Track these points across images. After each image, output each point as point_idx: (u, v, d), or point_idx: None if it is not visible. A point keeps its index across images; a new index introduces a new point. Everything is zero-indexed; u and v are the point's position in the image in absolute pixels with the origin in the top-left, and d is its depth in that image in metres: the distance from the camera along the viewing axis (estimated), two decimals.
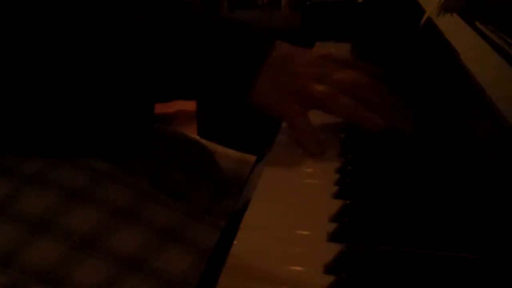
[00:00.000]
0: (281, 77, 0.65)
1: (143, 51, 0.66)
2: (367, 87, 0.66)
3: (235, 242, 0.45)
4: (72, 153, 0.75)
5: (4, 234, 0.69)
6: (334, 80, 0.65)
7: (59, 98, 0.73)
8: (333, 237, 0.45)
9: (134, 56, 0.67)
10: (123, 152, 0.82)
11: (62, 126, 0.75)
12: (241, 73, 0.65)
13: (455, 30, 0.77)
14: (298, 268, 0.42)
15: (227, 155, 0.96)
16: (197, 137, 1.01)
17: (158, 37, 0.66)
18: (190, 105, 2.71)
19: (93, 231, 0.69)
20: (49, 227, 0.69)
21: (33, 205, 0.70)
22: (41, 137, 0.75)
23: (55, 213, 0.70)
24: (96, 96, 0.73)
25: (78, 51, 0.67)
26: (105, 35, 0.66)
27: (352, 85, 0.66)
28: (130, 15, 0.67)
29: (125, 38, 0.66)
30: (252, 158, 0.93)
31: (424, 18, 0.82)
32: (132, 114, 0.84)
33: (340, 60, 0.74)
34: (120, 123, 0.82)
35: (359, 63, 0.82)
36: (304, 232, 0.47)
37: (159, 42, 0.66)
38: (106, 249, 0.68)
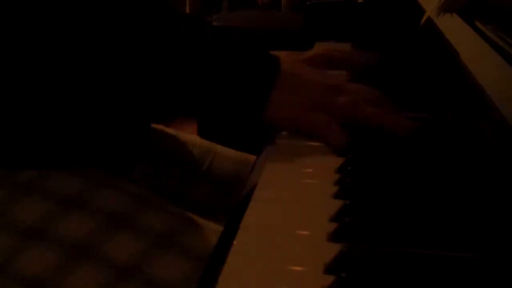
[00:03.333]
0: (297, 92, 0.63)
1: (150, 66, 0.63)
2: (375, 94, 0.67)
3: (235, 242, 0.45)
4: (68, 163, 0.74)
5: None
6: (350, 89, 0.65)
7: (56, 108, 0.72)
8: (333, 237, 0.45)
9: (140, 70, 0.64)
10: (120, 161, 0.81)
11: (59, 137, 0.74)
12: (254, 92, 0.63)
13: (455, 30, 0.77)
14: (298, 268, 0.42)
15: (227, 155, 0.96)
16: (197, 137, 1.00)
17: (167, 53, 0.63)
18: None
19: (88, 238, 0.68)
20: (43, 234, 0.68)
21: (27, 213, 0.69)
22: (37, 148, 0.73)
23: (49, 221, 0.68)
24: (96, 107, 0.72)
25: (78, 62, 0.64)
26: (113, 45, 0.63)
27: (365, 94, 0.66)
28: (143, 27, 0.64)
29: (134, 51, 0.63)
30: (252, 158, 0.93)
31: (424, 18, 0.82)
32: (131, 124, 0.84)
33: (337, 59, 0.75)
34: (118, 132, 0.81)
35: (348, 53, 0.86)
36: (304, 232, 0.47)
37: (168, 59, 0.63)
38: (100, 256, 0.67)
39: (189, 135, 0.99)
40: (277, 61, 0.64)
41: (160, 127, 0.96)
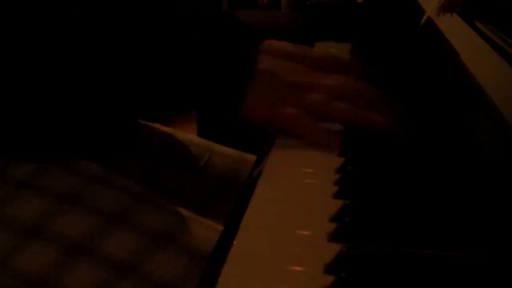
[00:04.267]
0: (272, 91, 0.64)
1: (134, 60, 0.64)
2: (355, 90, 0.66)
3: (235, 242, 0.45)
4: (60, 154, 0.75)
5: None
6: (324, 87, 0.65)
7: (48, 101, 0.73)
8: (333, 237, 0.45)
9: (125, 64, 0.65)
10: (109, 151, 0.82)
11: (50, 127, 0.75)
12: (228, 91, 0.64)
13: (455, 30, 0.77)
14: (298, 268, 0.42)
15: (225, 154, 0.96)
16: (195, 136, 1.01)
17: (150, 47, 0.64)
18: None
19: (85, 236, 0.68)
20: (41, 232, 0.68)
21: (24, 210, 0.69)
22: (30, 139, 0.74)
23: (47, 218, 0.69)
24: (83, 100, 0.73)
25: (68, 56, 0.65)
26: (97, 41, 0.64)
27: (340, 91, 0.65)
28: (126, 22, 0.65)
29: (119, 46, 0.65)
30: (251, 157, 0.93)
31: (424, 18, 0.82)
32: (117, 115, 0.84)
33: (324, 59, 0.76)
34: (104, 123, 0.82)
35: (350, 62, 0.87)
36: (304, 232, 0.47)
37: (150, 52, 0.64)
38: (98, 253, 0.68)
39: (186, 133, 0.99)
40: (254, 60, 0.65)
41: (156, 125, 0.96)
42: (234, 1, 2.78)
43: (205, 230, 0.72)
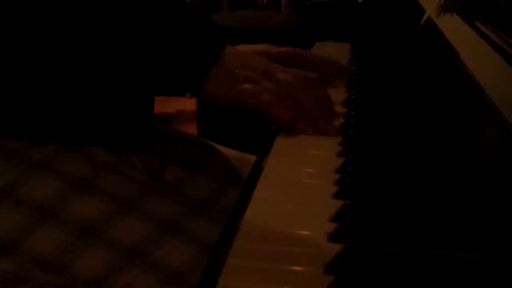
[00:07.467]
0: (232, 72, 0.72)
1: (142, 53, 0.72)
2: (302, 90, 0.72)
3: (235, 242, 0.45)
4: (76, 139, 0.77)
5: (9, 220, 0.70)
6: (276, 79, 0.73)
7: (67, 87, 0.75)
8: (333, 237, 0.45)
9: (135, 56, 0.72)
10: (122, 144, 0.83)
11: (68, 113, 0.77)
12: (195, 72, 0.73)
13: (455, 30, 0.77)
14: (298, 268, 0.42)
15: (225, 154, 0.97)
16: (196, 136, 1.02)
17: (159, 42, 0.73)
18: (190, 105, 2.71)
19: (96, 221, 0.70)
20: (53, 215, 0.70)
21: (38, 192, 0.71)
22: (47, 122, 0.76)
23: (59, 201, 0.71)
24: (98, 86, 0.76)
25: (87, 49, 0.70)
26: (119, 39, 0.71)
27: (291, 87, 0.72)
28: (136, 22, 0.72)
29: (133, 43, 0.72)
30: (251, 157, 0.94)
31: (424, 18, 0.82)
32: (132, 104, 0.86)
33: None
34: (120, 112, 0.83)
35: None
36: (304, 232, 0.47)
37: (159, 46, 0.73)
38: (108, 239, 0.69)
39: (186, 133, 0.99)
40: (218, 49, 0.74)
41: (160, 125, 0.97)
42: (234, 1, 2.78)
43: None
